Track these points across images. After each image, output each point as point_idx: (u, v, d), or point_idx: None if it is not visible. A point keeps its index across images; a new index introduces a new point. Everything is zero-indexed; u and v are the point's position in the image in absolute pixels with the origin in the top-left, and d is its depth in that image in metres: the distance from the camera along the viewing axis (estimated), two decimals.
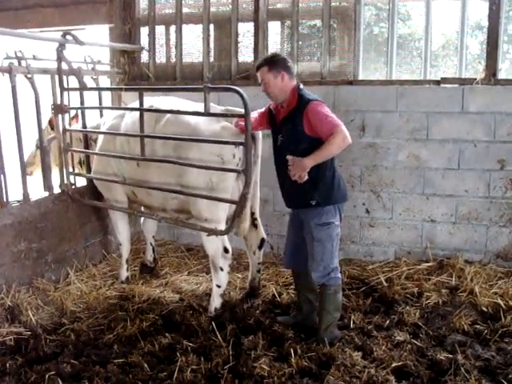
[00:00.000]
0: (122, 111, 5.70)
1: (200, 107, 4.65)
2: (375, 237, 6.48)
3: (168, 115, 5.05)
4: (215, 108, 4.89)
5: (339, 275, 4.62)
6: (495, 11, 5.92)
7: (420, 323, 4.97)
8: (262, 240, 5.53)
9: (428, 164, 6.20)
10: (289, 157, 4.32)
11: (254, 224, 5.43)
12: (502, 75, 6.03)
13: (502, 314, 5.08)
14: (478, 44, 6.44)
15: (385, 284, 5.78)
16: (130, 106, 5.80)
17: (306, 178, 4.29)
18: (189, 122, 4.95)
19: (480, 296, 5.42)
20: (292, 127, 4.39)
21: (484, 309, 5.22)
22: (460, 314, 5.05)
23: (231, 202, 4.74)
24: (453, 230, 6.26)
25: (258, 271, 5.63)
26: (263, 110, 4.83)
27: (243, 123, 4.43)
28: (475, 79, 6.00)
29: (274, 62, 4.44)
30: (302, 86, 4.50)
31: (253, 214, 5.37)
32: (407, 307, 5.24)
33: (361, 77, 6.48)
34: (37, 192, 5.78)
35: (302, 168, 4.26)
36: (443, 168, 6.16)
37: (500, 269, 6.01)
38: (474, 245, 6.20)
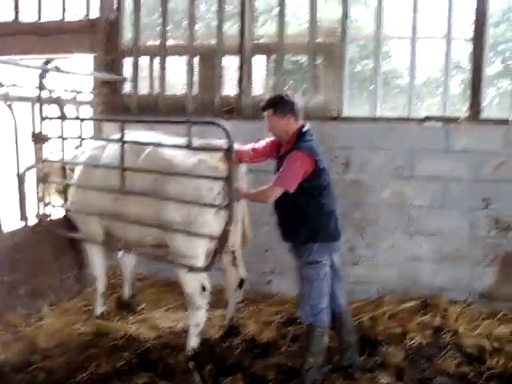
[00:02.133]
0: (102, 142, 5.58)
1: (182, 142, 4.60)
2: (358, 274, 6.35)
3: (148, 150, 4.96)
4: (196, 142, 4.79)
5: (326, 318, 4.48)
6: (478, 52, 5.96)
7: (404, 365, 4.83)
8: (241, 280, 5.41)
9: (412, 201, 6.16)
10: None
11: (233, 263, 5.32)
12: (485, 114, 6.04)
13: (487, 355, 4.98)
14: (459, 83, 6.47)
15: (368, 324, 5.64)
16: (111, 137, 5.67)
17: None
18: (166, 156, 4.86)
19: (464, 337, 5.34)
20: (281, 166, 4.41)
21: (469, 350, 5.11)
22: (445, 355, 4.96)
23: (212, 237, 4.59)
24: (437, 269, 6.18)
25: (238, 310, 5.49)
26: (272, 139, 4.76)
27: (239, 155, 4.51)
28: (459, 118, 6.01)
29: (280, 105, 4.44)
30: (305, 129, 4.47)
31: (233, 252, 5.25)
32: (391, 348, 5.12)
33: (345, 113, 6.45)
34: (11, 222, 5.60)
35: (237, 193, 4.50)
36: (427, 206, 6.12)
37: (484, 309, 5.91)
38: (458, 284, 6.12)
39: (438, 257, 6.16)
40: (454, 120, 6.03)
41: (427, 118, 6.11)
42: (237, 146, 4.60)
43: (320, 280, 4.41)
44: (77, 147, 6.03)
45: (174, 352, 4.98)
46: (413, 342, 5.28)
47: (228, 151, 4.12)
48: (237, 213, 4.95)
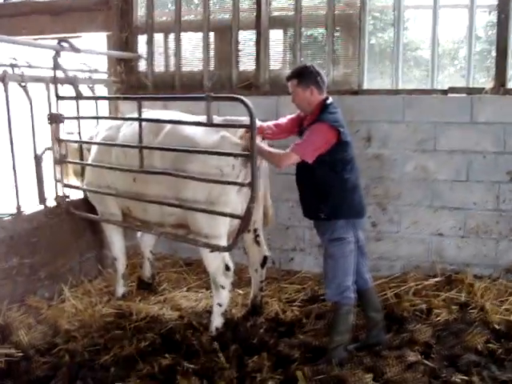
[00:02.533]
0: (117, 122, 5.49)
1: (201, 120, 4.49)
2: (382, 251, 6.27)
3: (166, 128, 4.85)
4: (215, 119, 4.68)
5: (353, 295, 4.41)
6: (504, 20, 5.78)
7: (431, 342, 4.75)
8: (265, 258, 5.32)
9: (436, 176, 6.03)
10: None
11: (256, 241, 5.23)
12: (511, 85, 5.86)
13: None
14: (482, 54, 6.28)
15: (393, 300, 5.56)
16: (128, 116, 5.57)
17: None
18: (186, 133, 4.74)
19: (491, 313, 5.22)
20: None
21: (496, 326, 5.00)
22: (472, 332, 4.84)
23: (235, 216, 4.48)
24: (461, 244, 6.08)
25: (261, 289, 5.41)
26: (294, 115, 4.69)
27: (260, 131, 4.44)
28: (483, 89, 5.84)
29: (304, 76, 4.35)
30: (329, 101, 4.39)
31: (255, 230, 5.16)
32: (418, 325, 5.01)
33: (366, 86, 6.32)
34: (30, 205, 5.55)
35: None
36: (451, 180, 6.00)
37: (510, 284, 5.82)
38: (483, 259, 6.03)
39: (462, 231, 6.06)
40: (479, 91, 5.86)
41: (450, 90, 5.94)
42: (258, 123, 4.51)
43: (345, 257, 4.33)
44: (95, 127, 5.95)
45: (197, 332, 4.91)
46: (439, 318, 5.19)
47: (251, 128, 3.98)
48: (260, 190, 4.88)
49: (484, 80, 6.09)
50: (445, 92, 5.97)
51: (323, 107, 4.33)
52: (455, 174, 5.97)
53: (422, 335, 4.84)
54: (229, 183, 4.48)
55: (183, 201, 4.71)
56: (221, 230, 4.73)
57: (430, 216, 6.11)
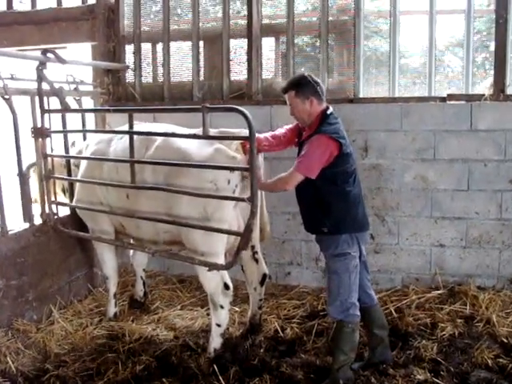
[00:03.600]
0: (107, 136, 5.27)
1: (196, 133, 4.29)
2: (381, 264, 6.10)
3: (158, 142, 4.65)
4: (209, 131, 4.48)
5: (358, 312, 4.22)
6: (502, 25, 5.67)
7: (439, 358, 4.59)
8: (264, 275, 5.11)
9: (436, 185, 5.89)
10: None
11: (254, 258, 5.02)
12: (510, 91, 5.74)
13: None
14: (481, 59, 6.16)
15: (395, 314, 5.39)
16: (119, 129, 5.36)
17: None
18: (178, 146, 4.54)
19: (498, 326, 5.09)
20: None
21: (504, 340, 4.88)
22: (481, 347, 4.71)
23: (235, 233, 4.29)
24: (463, 255, 5.94)
25: (260, 308, 5.21)
26: (292, 126, 4.52)
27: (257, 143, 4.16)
28: (483, 95, 5.72)
29: (302, 87, 4.17)
30: (329, 111, 4.21)
31: (253, 247, 4.94)
32: (423, 341, 4.87)
33: (362, 94, 6.17)
34: (16, 223, 5.30)
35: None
36: (452, 189, 5.86)
37: None
38: (486, 270, 5.89)
39: (464, 242, 5.92)
40: (478, 98, 5.73)
41: (449, 97, 5.81)
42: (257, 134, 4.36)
43: (350, 273, 4.15)
44: (73, 143, 5.71)
45: (194, 354, 4.73)
46: (444, 333, 5.03)
47: (250, 140, 3.78)
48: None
49: (483, 87, 5.94)
50: (443, 99, 5.84)
51: (323, 118, 4.15)
52: (456, 183, 5.83)
53: (429, 351, 4.71)
54: (226, 198, 4.28)
55: (177, 217, 4.49)
56: (217, 247, 4.52)
57: (430, 227, 5.96)
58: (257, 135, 4.35)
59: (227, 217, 4.44)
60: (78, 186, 5.44)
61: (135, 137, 4.66)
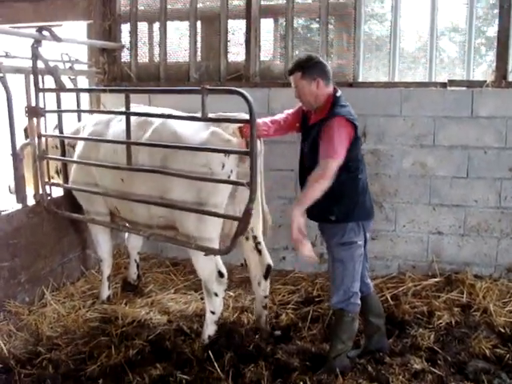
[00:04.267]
0: (105, 117, 5.13)
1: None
2: (377, 250, 6.05)
3: (155, 124, 4.54)
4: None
5: (359, 301, 4.15)
6: (506, 10, 5.59)
7: (436, 347, 4.55)
8: (268, 267, 4.82)
9: (435, 172, 5.84)
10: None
11: (257, 249, 4.79)
12: None
13: None
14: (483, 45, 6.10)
15: (391, 302, 5.36)
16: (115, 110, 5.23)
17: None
18: (174, 129, 4.42)
19: (495, 315, 5.05)
20: (314, 135, 3.98)
21: (501, 329, 4.85)
22: (478, 336, 4.68)
23: (232, 218, 4.18)
24: (461, 243, 5.91)
25: (265, 307, 4.91)
26: (294, 110, 4.37)
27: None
28: (485, 82, 5.64)
29: (309, 67, 3.99)
30: (338, 94, 4.06)
31: (255, 237, 4.76)
32: (420, 329, 4.83)
33: (361, 78, 6.10)
34: (9, 204, 5.22)
35: (294, 225, 3.86)
36: (451, 176, 5.82)
37: None
38: (484, 258, 5.87)
39: (462, 230, 5.89)
40: (479, 84, 5.66)
41: (450, 83, 5.74)
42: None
43: (354, 262, 4.07)
44: (56, 127, 5.56)
45: (188, 339, 4.66)
46: (441, 321, 5.00)
47: (250, 123, 3.68)
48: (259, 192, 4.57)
49: (478, 72, 5.88)
50: (444, 85, 5.78)
51: (334, 100, 4.01)
52: (455, 170, 5.79)
53: (426, 340, 4.67)
54: (225, 182, 4.19)
55: (171, 201, 4.39)
56: (211, 233, 4.41)
57: (428, 214, 5.92)
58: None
59: (221, 203, 4.33)
60: (74, 166, 5.34)
61: (133, 119, 4.56)
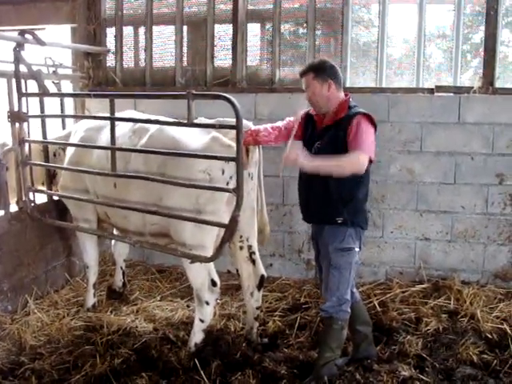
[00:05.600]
0: (97, 122, 5.03)
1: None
2: (364, 256, 5.99)
3: (152, 130, 4.45)
4: (203, 120, 4.29)
5: (349, 309, 4.11)
6: (492, 17, 5.60)
7: (424, 354, 4.53)
8: (262, 277, 4.74)
9: (422, 178, 5.84)
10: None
11: (251, 259, 4.71)
12: (499, 84, 5.69)
13: (508, 340, 4.73)
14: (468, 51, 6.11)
15: (379, 309, 5.32)
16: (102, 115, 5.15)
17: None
18: (173, 135, 4.33)
19: (483, 321, 5.05)
20: (334, 133, 3.92)
21: (488, 335, 4.85)
22: (466, 342, 4.66)
23: (219, 225, 4.09)
24: (448, 249, 5.91)
25: (256, 318, 4.82)
26: (295, 118, 4.26)
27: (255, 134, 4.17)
28: (472, 88, 5.65)
29: (322, 69, 4.01)
30: (351, 99, 4.09)
31: (250, 246, 4.68)
32: (408, 336, 4.80)
33: (348, 84, 6.07)
34: None
35: (293, 160, 3.80)
36: (438, 182, 5.82)
37: (499, 290, 5.70)
38: (471, 264, 5.88)
39: (449, 236, 5.89)
40: (466, 90, 5.68)
41: (437, 89, 5.75)
42: (251, 125, 4.24)
43: (350, 269, 4.03)
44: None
45: (174, 347, 4.59)
46: (428, 328, 4.98)
47: (237, 129, 3.63)
48: (253, 200, 4.53)
49: (464, 78, 5.89)
50: (431, 91, 5.78)
51: (351, 105, 4.03)
52: (442, 176, 5.79)
53: (413, 347, 4.64)
54: (212, 189, 4.09)
55: (167, 209, 4.30)
56: (207, 240, 4.33)
57: (415, 220, 5.92)
58: (255, 126, 4.26)
59: (219, 210, 4.25)
60: (63, 171, 5.24)
61: (127, 126, 4.54)
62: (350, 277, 4.04)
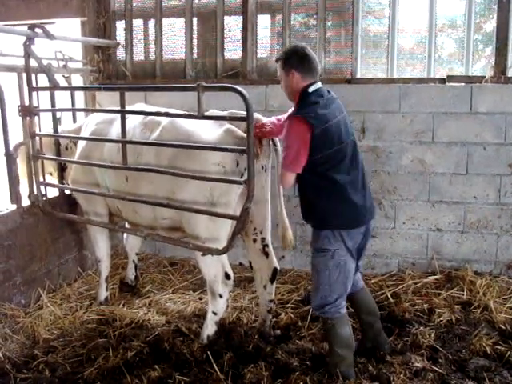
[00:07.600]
0: (109, 116, 5.02)
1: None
2: (377, 248, 6.01)
3: (164, 123, 4.42)
4: (215, 112, 4.31)
5: (339, 310, 3.94)
6: (505, 4, 5.53)
7: (437, 345, 4.52)
8: (275, 270, 4.66)
9: (434, 169, 5.79)
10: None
11: (264, 252, 4.63)
12: (511, 73, 5.64)
13: None
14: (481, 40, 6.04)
15: (391, 300, 5.31)
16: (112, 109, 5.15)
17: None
18: (186, 128, 4.30)
19: (496, 312, 5.01)
20: None
21: (502, 326, 4.81)
22: (479, 333, 4.63)
23: (230, 217, 4.09)
24: (461, 240, 5.86)
25: (270, 311, 4.75)
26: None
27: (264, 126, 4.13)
28: (484, 77, 5.59)
29: (287, 58, 3.86)
30: (312, 88, 3.80)
31: (263, 239, 4.62)
32: (420, 327, 4.79)
33: (359, 75, 6.04)
34: (3, 205, 5.16)
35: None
36: (450, 173, 5.76)
37: None
38: (484, 255, 5.83)
39: (461, 227, 5.84)
40: (478, 80, 5.62)
41: (449, 78, 5.69)
42: (258, 116, 4.20)
43: (329, 271, 3.84)
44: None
45: (187, 340, 4.59)
46: (441, 319, 4.97)
47: (247, 120, 3.61)
48: (266, 192, 4.49)
49: (483, 68, 5.83)
50: (443, 81, 5.72)
51: (301, 97, 3.82)
52: (454, 166, 5.73)
53: (426, 338, 4.63)
54: (224, 181, 4.07)
55: (180, 202, 4.27)
56: (220, 232, 4.31)
57: (427, 211, 5.87)
58: (264, 119, 4.23)
59: (233, 202, 4.22)
60: (74, 165, 5.24)
61: (138, 119, 4.54)
62: (330, 279, 3.86)
